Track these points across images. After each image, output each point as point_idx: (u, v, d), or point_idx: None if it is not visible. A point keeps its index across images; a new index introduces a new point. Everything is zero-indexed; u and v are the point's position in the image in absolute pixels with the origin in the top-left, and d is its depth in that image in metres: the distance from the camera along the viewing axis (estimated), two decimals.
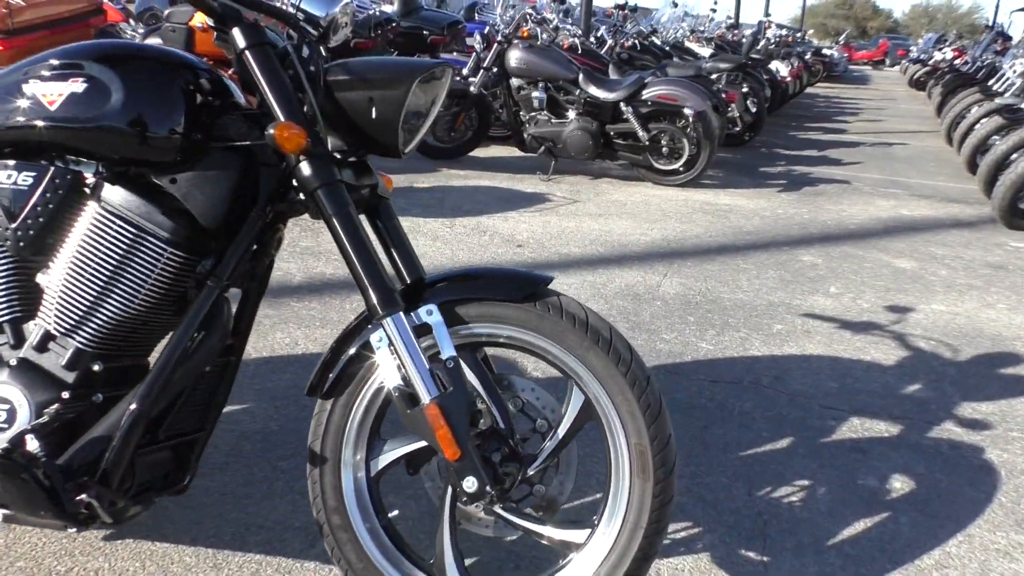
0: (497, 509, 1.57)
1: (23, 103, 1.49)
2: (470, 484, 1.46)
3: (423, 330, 1.52)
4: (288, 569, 1.80)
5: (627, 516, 1.52)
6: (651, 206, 5.66)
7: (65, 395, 1.52)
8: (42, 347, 1.53)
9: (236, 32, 1.49)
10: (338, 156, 1.60)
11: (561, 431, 1.57)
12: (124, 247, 1.49)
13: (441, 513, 1.60)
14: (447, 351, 1.50)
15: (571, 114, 6.26)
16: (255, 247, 1.62)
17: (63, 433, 1.52)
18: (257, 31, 1.50)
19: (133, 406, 1.47)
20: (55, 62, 1.51)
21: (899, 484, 2.26)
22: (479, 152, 7.04)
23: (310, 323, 3.13)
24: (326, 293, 3.52)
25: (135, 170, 1.53)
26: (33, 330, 1.54)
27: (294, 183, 1.50)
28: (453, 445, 1.44)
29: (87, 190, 1.53)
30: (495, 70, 6.42)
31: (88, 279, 1.50)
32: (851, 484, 2.25)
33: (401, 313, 1.47)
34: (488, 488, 1.46)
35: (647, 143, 6.18)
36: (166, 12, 5.57)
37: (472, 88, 6.47)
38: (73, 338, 1.51)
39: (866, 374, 2.99)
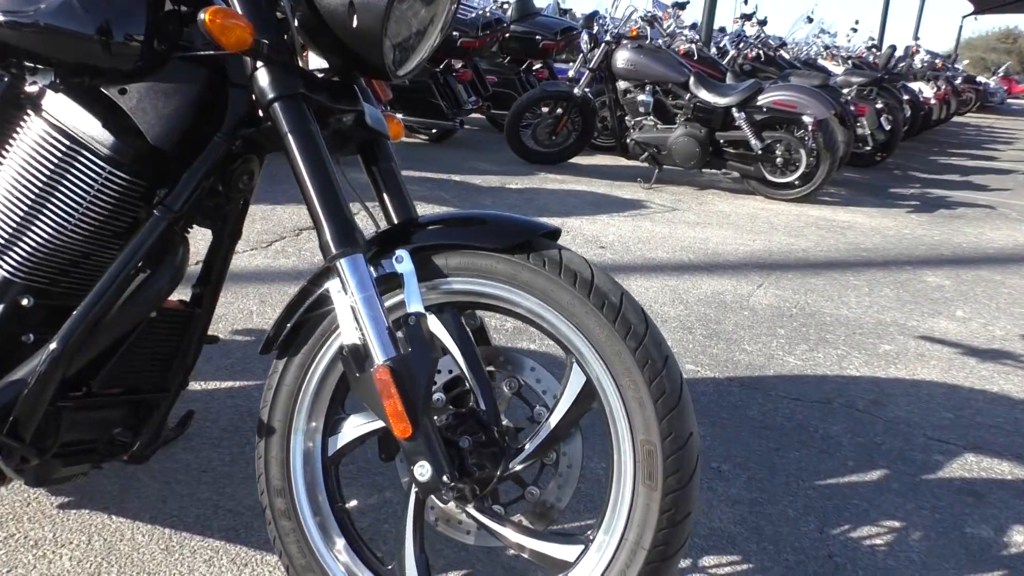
0: (469, 509, 1.26)
1: None
2: (422, 470, 1.16)
3: (391, 281, 1.24)
4: (246, 560, 1.55)
5: (626, 533, 1.17)
6: (758, 219, 5.19)
7: None
8: None
9: None
10: (320, 75, 1.34)
11: (555, 418, 1.24)
12: (56, 161, 1.28)
13: (405, 509, 1.31)
14: (413, 306, 1.21)
15: (679, 119, 5.87)
16: (219, 181, 1.38)
17: None
18: None
19: (52, 345, 1.25)
20: None
21: (1020, 538, 1.79)
22: (581, 159, 6.74)
23: None
24: None
25: (82, 77, 1.32)
26: None
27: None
28: (404, 419, 1.14)
29: (24, 97, 1.34)
30: (601, 72, 6.12)
31: (16, 196, 1.30)
32: (956, 532, 1.79)
33: (361, 255, 1.19)
34: (445, 478, 1.15)
35: (760, 152, 5.70)
36: None
37: (576, 90, 6.20)
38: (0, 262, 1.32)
39: (990, 407, 2.48)
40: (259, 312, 2.82)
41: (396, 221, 1.38)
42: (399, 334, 1.19)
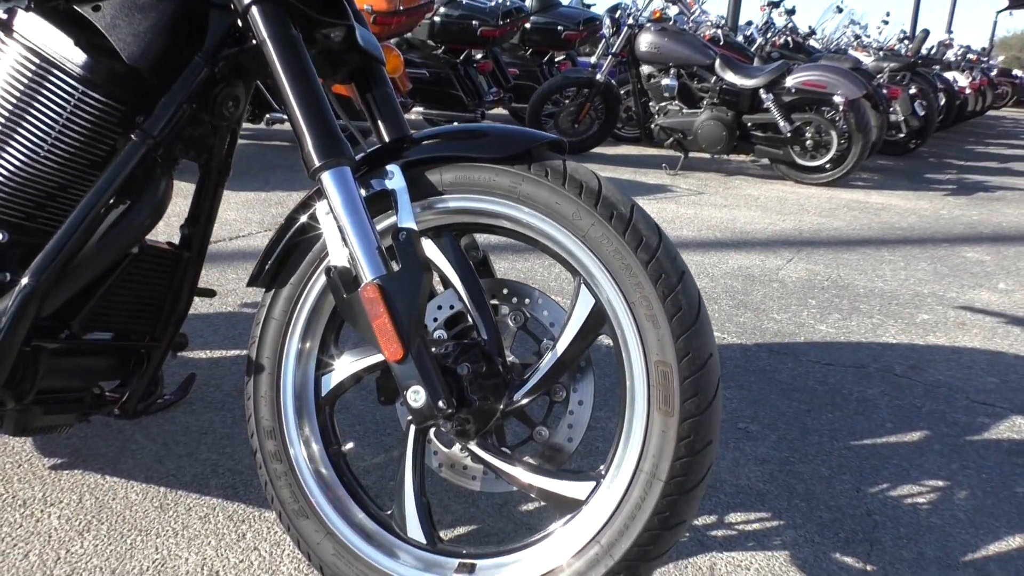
0: (473, 448, 1.16)
1: None
2: (415, 396, 1.06)
3: (382, 200, 1.15)
4: (243, 517, 1.46)
5: (641, 463, 1.06)
6: (787, 201, 5.04)
7: None
8: None
9: None
10: None
11: (561, 346, 1.14)
12: (27, 82, 1.20)
13: (404, 449, 1.21)
14: (404, 222, 1.11)
15: (705, 103, 5.74)
16: (202, 108, 1.30)
17: None
18: None
19: (24, 280, 1.17)
20: None
21: None
22: (605, 149, 6.63)
23: None
24: None
25: None
26: None
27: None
28: (394, 340, 1.04)
29: None
30: (624, 57, 6.02)
31: None
32: (1006, 492, 1.65)
33: (348, 168, 1.10)
34: (441, 403, 1.05)
35: (789, 135, 5.55)
36: None
37: (599, 76, 6.10)
38: None
39: None
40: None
41: (387, 137, 1.29)
42: (394, 240, 1.10)
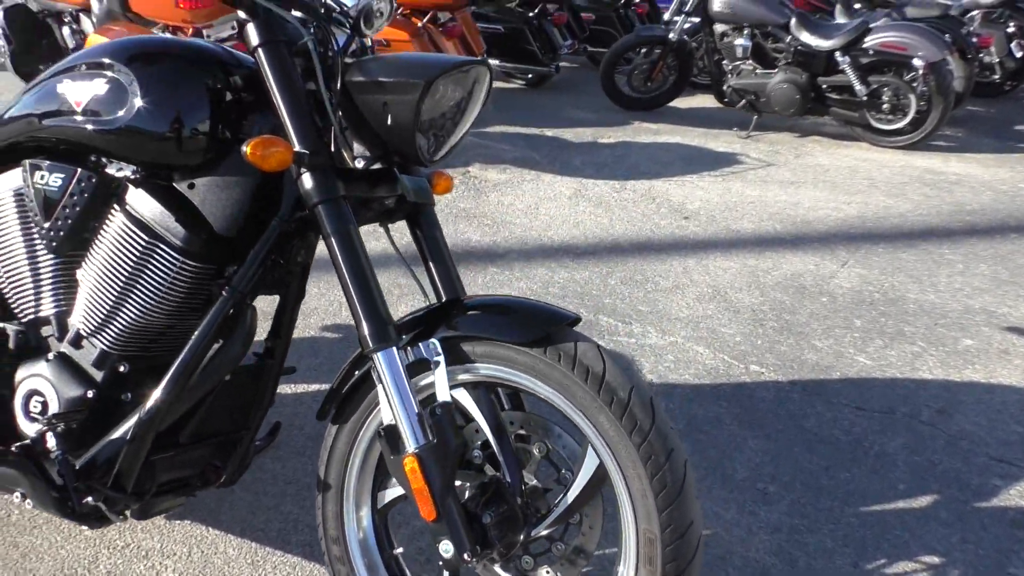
0: (498, 570, 1.41)
1: (54, 104, 1.49)
2: (445, 549, 1.31)
3: (424, 364, 1.37)
4: None
5: None
6: (858, 173, 4.99)
7: (91, 394, 1.54)
8: (76, 343, 1.56)
9: (250, 28, 1.38)
10: (360, 165, 1.45)
11: (572, 495, 1.36)
12: (138, 254, 1.47)
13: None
14: (441, 395, 1.34)
15: (779, 64, 5.64)
16: (280, 256, 1.53)
17: (87, 432, 1.54)
18: (271, 27, 1.38)
19: (144, 413, 1.46)
20: (86, 61, 1.49)
21: None
22: (679, 102, 6.60)
23: None
24: (466, 264, 3.45)
25: (158, 173, 1.49)
26: (72, 325, 1.58)
27: None
28: (429, 504, 1.29)
29: (112, 193, 1.52)
30: (698, 15, 5.91)
31: (109, 282, 1.50)
32: (999, 573, 1.81)
33: (394, 350, 1.32)
34: (466, 556, 1.30)
35: (865, 98, 5.43)
36: None
37: (671, 35, 6.02)
38: (98, 338, 1.53)
39: None
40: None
41: (442, 290, 1.51)
42: (428, 418, 1.33)
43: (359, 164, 1.44)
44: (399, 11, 5.66)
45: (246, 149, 1.27)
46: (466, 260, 3.46)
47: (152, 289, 1.47)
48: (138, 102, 1.41)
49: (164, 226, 1.46)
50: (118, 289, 1.49)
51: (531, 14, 6.71)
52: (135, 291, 1.48)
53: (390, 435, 1.34)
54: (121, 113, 1.43)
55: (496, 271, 3.37)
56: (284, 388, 2.45)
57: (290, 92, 1.37)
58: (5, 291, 1.65)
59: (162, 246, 1.46)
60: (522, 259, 3.51)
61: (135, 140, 1.44)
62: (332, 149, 1.40)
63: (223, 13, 4.38)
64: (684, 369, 2.63)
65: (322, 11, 1.43)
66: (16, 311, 1.64)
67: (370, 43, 1.59)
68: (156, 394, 1.45)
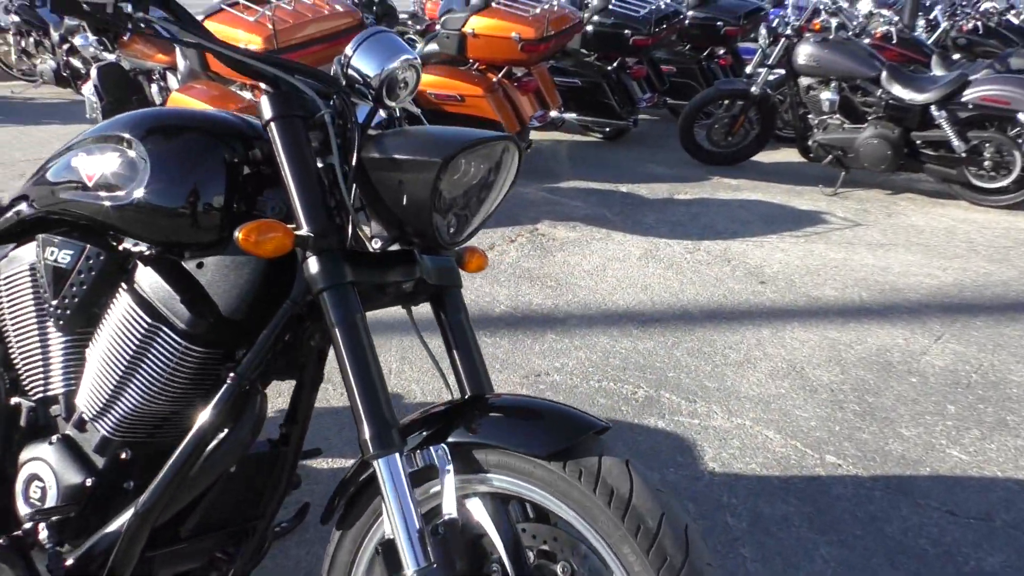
0: None
1: (68, 177, 1.44)
2: None
3: (430, 472, 1.23)
4: None
5: None
6: (956, 235, 4.64)
7: (90, 482, 1.45)
8: (81, 426, 1.49)
9: (264, 100, 1.30)
10: (377, 245, 1.34)
11: None
12: (140, 337, 1.38)
13: None
14: (448, 508, 1.19)
15: (869, 118, 5.35)
16: (292, 340, 1.43)
17: (84, 522, 1.45)
18: (287, 100, 1.30)
19: (140, 506, 1.36)
20: (101, 134, 1.44)
21: None
22: (761, 157, 6.34)
23: (491, 364, 2.93)
24: (524, 329, 3.30)
25: (169, 251, 1.41)
26: (78, 407, 1.50)
27: None
28: None
29: (121, 270, 1.45)
30: (782, 68, 5.70)
31: (112, 364, 1.42)
32: None
33: (397, 456, 1.19)
34: None
35: (964, 155, 5.07)
36: (442, 19, 5.71)
37: (754, 88, 5.82)
38: (101, 423, 1.45)
39: None
40: (398, 372, 2.91)
41: (465, 383, 1.38)
42: (431, 537, 1.18)
43: (376, 244, 1.33)
44: (475, 66, 5.66)
45: (238, 235, 1.17)
46: (525, 325, 3.32)
47: (154, 374, 1.38)
48: (149, 177, 1.34)
49: (170, 307, 1.38)
50: (120, 372, 1.41)
51: (609, 67, 6.61)
52: (137, 375, 1.40)
53: (389, 552, 1.20)
54: (132, 188, 1.36)
55: (555, 338, 3.20)
56: (320, 463, 2.34)
57: (300, 169, 1.27)
58: (18, 366, 1.59)
59: (165, 329, 1.37)
60: (583, 325, 3.34)
61: (145, 216, 1.37)
62: (347, 230, 1.29)
63: None
64: (751, 457, 2.40)
65: (343, 83, 1.35)
66: (27, 388, 1.58)
67: (398, 114, 1.50)
68: (153, 485, 1.34)
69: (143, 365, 1.39)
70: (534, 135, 6.92)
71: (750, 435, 2.51)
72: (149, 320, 1.38)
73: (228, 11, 4.21)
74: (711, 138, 6.20)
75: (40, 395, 1.55)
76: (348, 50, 1.34)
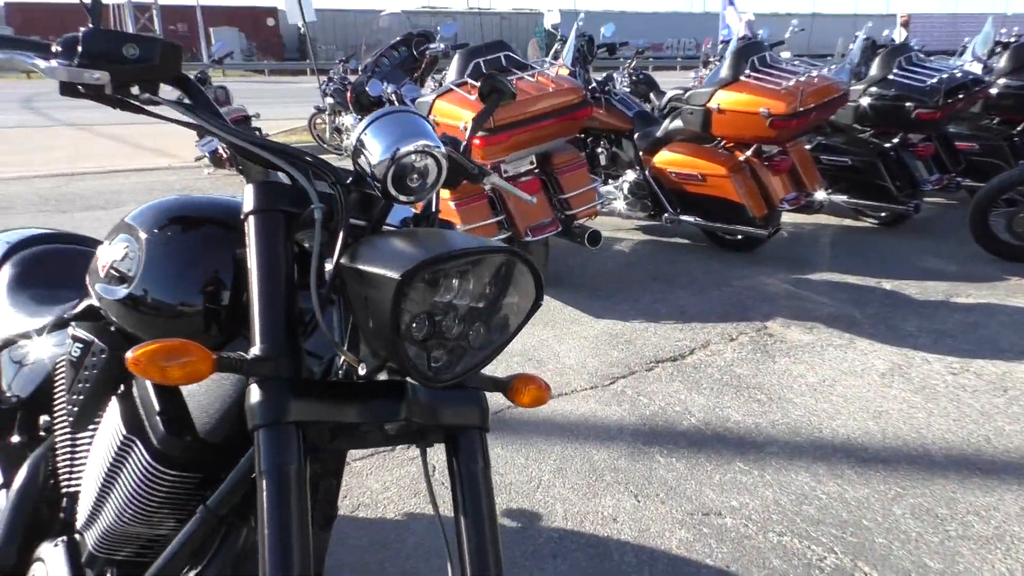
0: None
1: (93, 265, 1.36)
2: None
3: None
4: None
5: None
6: None
7: None
8: (79, 533, 1.39)
9: (247, 190, 1.11)
10: (362, 371, 1.07)
11: None
12: (116, 449, 1.26)
13: None
14: None
15: None
16: None
17: None
18: (270, 191, 1.10)
19: None
20: (121, 223, 1.34)
21: None
22: None
23: (655, 491, 2.49)
24: (708, 451, 2.80)
25: None
26: (77, 513, 1.40)
27: None
28: None
29: (119, 371, 1.32)
30: None
31: (94, 475, 1.32)
32: None
33: None
34: None
35: None
36: (686, 95, 5.38)
37: None
38: (88, 535, 1.35)
39: None
40: (548, 485, 2.57)
41: (467, 562, 1.05)
42: None
43: (361, 370, 1.07)
44: (722, 144, 5.24)
45: (129, 356, 0.95)
46: (711, 447, 2.81)
47: (128, 492, 1.25)
48: (142, 272, 1.21)
49: (150, 421, 1.23)
50: (100, 484, 1.30)
51: (888, 145, 5.80)
52: (114, 490, 1.28)
53: None
54: (128, 282, 1.23)
55: (742, 468, 2.66)
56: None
57: (264, 274, 1.06)
58: (54, 456, 1.54)
59: (140, 445, 1.23)
60: (783, 456, 2.75)
61: (133, 313, 1.23)
62: (302, 354, 1.05)
63: (519, 148, 4.34)
64: None
65: (348, 180, 1.11)
66: (52, 482, 1.53)
67: (428, 209, 1.23)
68: None
69: (118, 481, 1.27)
70: (794, 218, 6.28)
71: None
72: (125, 433, 1.24)
73: (456, 91, 4.26)
74: (1013, 228, 5.13)
75: (59, 492, 1.48)
76: (356, 132, 1.10)
